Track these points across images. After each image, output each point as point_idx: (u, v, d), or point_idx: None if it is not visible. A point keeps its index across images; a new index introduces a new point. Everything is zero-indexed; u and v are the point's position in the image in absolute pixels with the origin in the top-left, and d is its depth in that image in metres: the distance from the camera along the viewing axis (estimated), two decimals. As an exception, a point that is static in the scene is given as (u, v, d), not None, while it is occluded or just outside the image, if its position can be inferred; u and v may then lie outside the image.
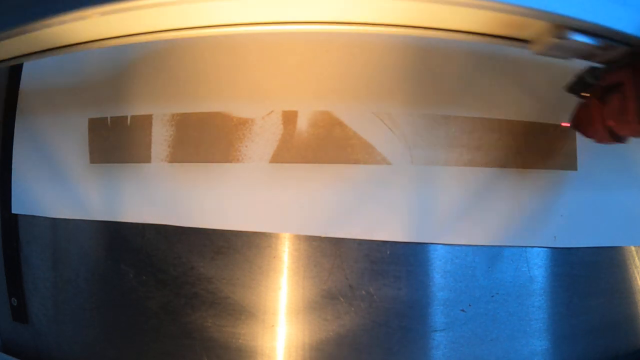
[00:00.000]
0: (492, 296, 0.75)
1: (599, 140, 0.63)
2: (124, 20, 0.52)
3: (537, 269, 0.76)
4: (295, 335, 0.75)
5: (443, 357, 0.75)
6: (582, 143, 0.77)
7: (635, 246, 0.82)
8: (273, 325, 0.76)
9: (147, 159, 0.80)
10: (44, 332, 0.88)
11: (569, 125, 0.69)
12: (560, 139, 0.77)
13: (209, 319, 0.77)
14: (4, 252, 0.90)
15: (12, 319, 0.90)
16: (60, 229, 0.87)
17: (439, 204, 0.74)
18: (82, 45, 0.57)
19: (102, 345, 0.84)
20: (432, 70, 0.75)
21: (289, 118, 0.75)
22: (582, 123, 0.65)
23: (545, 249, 0.76)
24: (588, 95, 0.63)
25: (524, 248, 0.76)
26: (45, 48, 0.58)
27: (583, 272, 0.78)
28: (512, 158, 0.75)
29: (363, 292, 0.74)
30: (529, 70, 0.76)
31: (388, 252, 0.74)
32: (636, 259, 0.82)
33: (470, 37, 0.54)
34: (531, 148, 0.76)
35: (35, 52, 0.59)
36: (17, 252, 0.90)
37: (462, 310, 0.75)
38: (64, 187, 0.85)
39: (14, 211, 0.89)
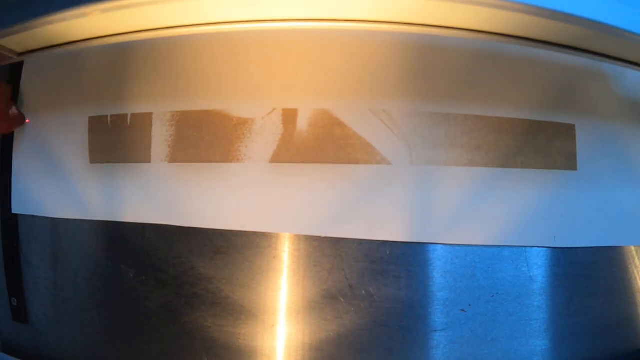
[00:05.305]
0: (492, 296, 0.75)
1: None
2: (125, 18, 0.52)
3: (537, 269, 0.76)
4: (295, 335, 0.75)
5: (443, 357, 0.74)
6: (582, 143, 0.77)
7: (635, 246, 0.82)
8: (273, 325, 0.76)
9: (147, 159, 0.80)
10: (44, 332, 0.88)
11: None
12: (560, 139, 0.77)
13: (209, 319, 0.77)
14: (4, 252, 0.90)
15: (12, 319, 0.90)
16: (60, 229, 0.87)
17: (439, 204, 0.74)
18: (82, 42, 0.57)
19: (102, 345, 0.84)
20: (432, 69, 0.75)
21: (289, 117, 0.75)
22: None
23: (545, 249, 0.76)
24: None
25: (524, 248, 0.76)
26: (45, 45, 0.58)
27: (583, 272, 0.78)
28: (512, 158, 0.75)
29: (363, 292, 0.74)
30: (529, 69, 0.76)
31: (388, 252, 0.74)
32: (636, 259, 0.82)
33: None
34: (531, 148, 0.76)
35: (36, 50, 0.59)
36: (17, 252, 0.90)
37: (462, 310, 0.74)
38: (64, 187, 0.85)
39: (14, 211, 0.89)
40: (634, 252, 0.82)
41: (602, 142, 0.79)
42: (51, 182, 0.86)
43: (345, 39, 0.75)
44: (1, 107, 0.86)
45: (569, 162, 0.77)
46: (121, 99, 0.83)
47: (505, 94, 0.76)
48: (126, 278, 0.81)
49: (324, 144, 0.75)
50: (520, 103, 0.76)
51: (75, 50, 0.58)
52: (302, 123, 0.75)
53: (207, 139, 0.78)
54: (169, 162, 0.79)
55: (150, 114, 0.80)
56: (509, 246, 0.75)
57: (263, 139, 0.76)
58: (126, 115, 0.82)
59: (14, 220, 0.90)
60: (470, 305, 0.75)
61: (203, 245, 0.77)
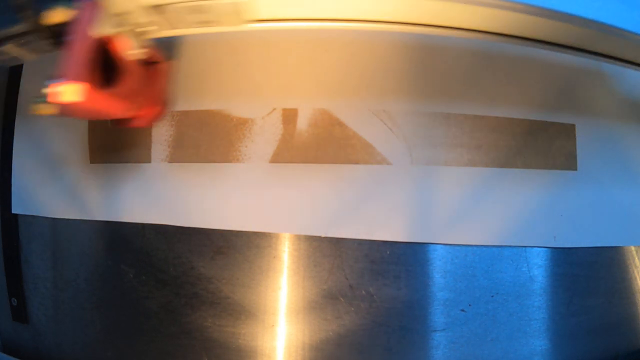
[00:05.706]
0: (492, 296, 0.75)
1: None
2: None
3: (537, 269, 0.76)
4: (295, 335, 0.75)
5: (443, 357, 0.74)
6: (582, 143, 0.77)
7: (635, 246, 0.82)
8: (273, 325, 0.76)
9: (147, 159, 0.80)
10: (44, 332, 0.88)
11: None
12: (560, 139, 0.77)
13: (209, 319, 0.77)
14: (4, 252, 0.90)
15: (12, 319, 0.90)
16: (60, 229, 0.86)
17: (439, 204, 0.74)
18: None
19: (102, 345, 0.84)
20: (432, 69, 0.75)
21: (289, 117, 0.75)
22: None
23: (545, 249, 0.76)
24: None
25: (524, 248, 0.76)
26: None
27: (583, 272, 0.78)
28: (512, 158, 0.75)
29: (363, 292, 0.74)
30: (529, 69, 0.76)
31: (388, 252, 0.74)
32: (636, 259, 0.82)
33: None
34: (531, 148, 0.76)
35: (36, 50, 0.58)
36: (17, 252, 0.89)
37: (462, 310, 0.74)
38: (64, 187, 0.85)
39: (14, 211, 0.89)
40: (634, 252, 0.82)
41: (602, 142, 0.79)
42: (51, 182, 0.86)
43: (345, 39, 0.75)
44: (162, 87, 0.72)
45: (569, 162, 0.77)
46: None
47: (505, 94, 0.76)
48: (126, 278, 0.81)
49: (324, 144, 0.75)
50: (520, 103, 0.76)
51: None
52: (302, 123, 0.75)
53: (207, 139, 0.78)
54: (169, 162, 0.79)
55: (150, 114, 0.80)
56: (509, 246, 0.75)
57: (263, 139, 0.76)
58: (126, 115, 0.82)
59: (14, 220, 0.90)
60: (470, 305, 0.75)
61: (203, 245, 0.77)
